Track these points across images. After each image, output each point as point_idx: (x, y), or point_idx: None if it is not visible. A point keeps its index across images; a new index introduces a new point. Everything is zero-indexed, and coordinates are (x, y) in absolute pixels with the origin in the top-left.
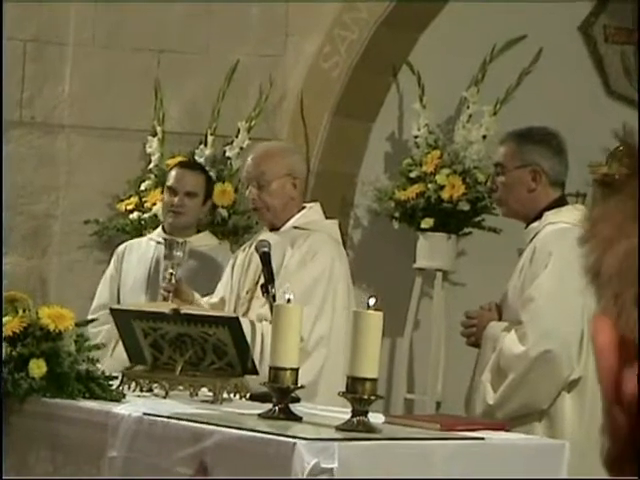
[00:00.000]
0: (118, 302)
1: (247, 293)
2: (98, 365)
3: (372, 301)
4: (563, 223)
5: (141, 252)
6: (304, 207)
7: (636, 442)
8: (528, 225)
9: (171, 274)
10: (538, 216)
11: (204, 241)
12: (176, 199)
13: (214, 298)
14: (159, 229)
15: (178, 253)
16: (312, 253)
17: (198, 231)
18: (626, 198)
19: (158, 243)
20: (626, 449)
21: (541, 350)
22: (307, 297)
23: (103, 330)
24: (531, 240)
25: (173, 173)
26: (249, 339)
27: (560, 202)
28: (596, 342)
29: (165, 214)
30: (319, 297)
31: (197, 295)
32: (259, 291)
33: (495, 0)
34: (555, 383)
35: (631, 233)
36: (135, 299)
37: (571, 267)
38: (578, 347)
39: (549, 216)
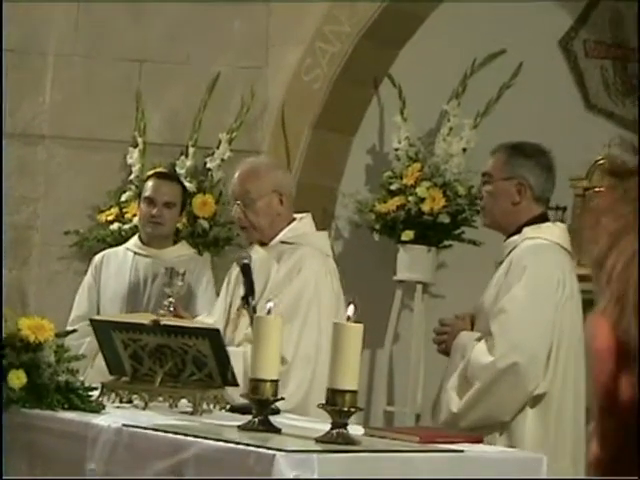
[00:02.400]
0: (97, 313)
1: (237, 310)
2: (79, 377)
3: (351, 309)
4: (541, 239)
5: (119, 262)
6: (294, 219)
7: (625, 449)
8: (507, 238)
9: (170, 302)
10: (518, 230)
11: (181, 251)
12: (155, 210)
13: (210, 318)
14: (135, 239)
15: (178, 282)
16: (297, 268)
17: (174, 242)
18: (633, 189)
19: (135, 254)
20: (615, 454)
21: (508, 362)
22: (292, 312)
23: (85, 342)
24: (509, 253)
25: (150, 184)
26: (239, 370)
27: (541, 218)
28: (593, 347)
29: (144, 225)
30: (303, 314)
31: (199, 318)
32: (242, 306)
33: (476, 14)
34: (519, 396)
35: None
36: (115, 310)
37: (544, 282)
38: (545, 362)
39: (528, 231)
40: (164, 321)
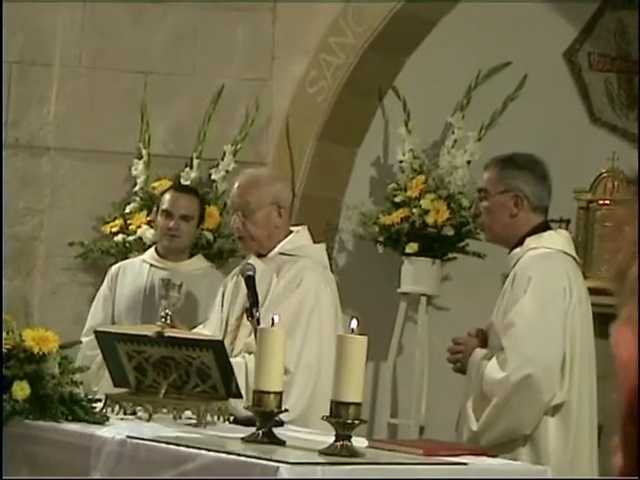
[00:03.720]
0: (112, 323)
1: (236, 320)
2: (93, 387)
3: (354, 323)
4: (544, 248)
5: (135, 273)
6: (291, 232)
7: None
8: (511, 251)
9: (167, 314)
10: (520, 242)
11: (197, 264)
12: (172, 222)
13: (206, 329)
14: (152, 251)
15: (174, 294)
16: (297, 280)
17: (191, 255)
18: None
19: (152, 266)
20: (638, 467)
21: (522, 375)
22: (293, 325)
23: (99, 354)
24: (514, 266)
25: (168, 197)
26: (241, 381)
27: (542, 227)
28: (617, 355)
29: (161, 237)
30: (304, 324)
31: (194, 330)
32: (247, 318)
33: (481, 26)
34: (537, 408)
35: None
36: (131, 321)
37: (550, 291)
38: (560, 371)
39: (530, 242)
40: (168, 333)
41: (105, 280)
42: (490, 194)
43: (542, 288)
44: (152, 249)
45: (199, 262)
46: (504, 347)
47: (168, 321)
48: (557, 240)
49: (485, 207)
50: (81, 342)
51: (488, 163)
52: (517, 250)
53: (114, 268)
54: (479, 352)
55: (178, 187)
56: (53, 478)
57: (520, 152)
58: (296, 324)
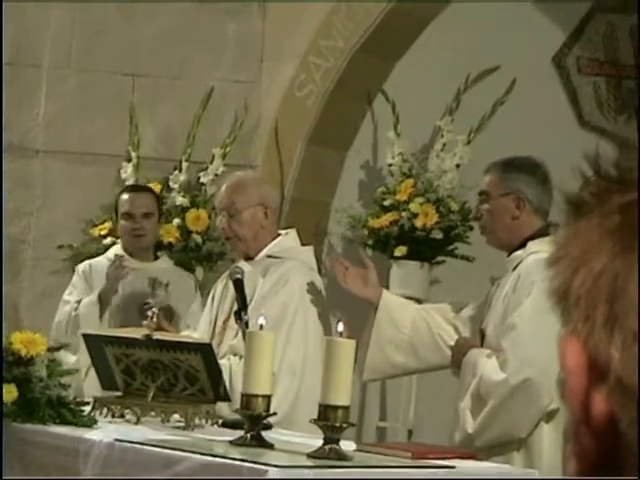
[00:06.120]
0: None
1: (223, 323)
2: (84, 387)
3: (340, 326)
4: (546, 252)
5: (105, 273)
6: (279, 235)
7: (604, 465)
8: (511, 253)
9: (153, 313)
10: (522, 245)
11: (163, 264)
12: (135, 223)
13: (196, 332)
14: (119, 251)
15: (161, 292)
16: (283, 281)
17: (156, 257)
18: (601, 216)
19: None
20: (594, 472)
21: (521, 378)
22: (277, 325)
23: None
24: (514, 268)
25: (125, 197)
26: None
27: (544, 231)
28: (565, 364)
29: (127, 239)
30: (288, 325)
31: (184, 333)
32: (233, 321)
33: (469, 30)
34: (534, 412)
35: (607, 252)
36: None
37: None
38: (558, 376)
39: (533, 245)
40: (157, 336)
41: (75, 277)
42: (491, 197)
43: (545, 293)
44: (116, 249)
45: (165, 262)
46: (504, 348)
47: (154, 319)
48: None
49: (486, 210)
50: (69, 344)
51: (488, 167)
52: (518, 253)
53: (82, 266)
54: (475, 352)
55: (133, 187)
56: (48, 478)
57: (520, 156)
58: (280, 325)
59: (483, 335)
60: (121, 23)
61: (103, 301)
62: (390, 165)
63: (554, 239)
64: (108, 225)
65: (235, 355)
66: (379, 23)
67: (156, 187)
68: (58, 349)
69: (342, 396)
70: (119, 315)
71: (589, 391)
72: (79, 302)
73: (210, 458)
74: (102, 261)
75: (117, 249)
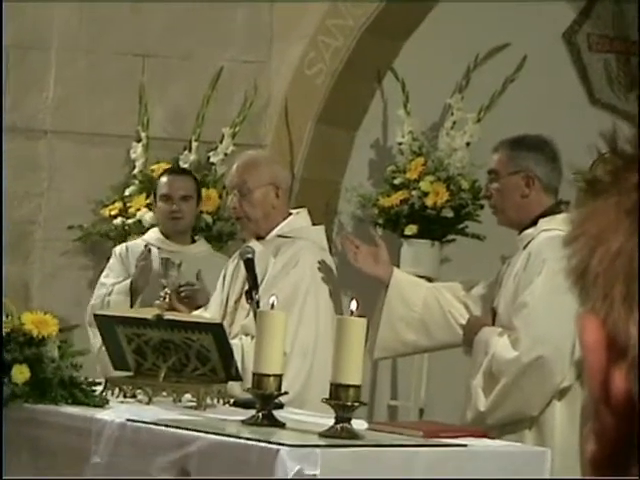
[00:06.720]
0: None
1: (234, 303)
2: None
3: (354, 304)
4: (558, 230)
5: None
6: (290, 214)
7: (623, 444)
8: (522, 231)
9: (166, 293)
10: (532, 223)
11: (201, 247)
12: (173, 205)
13: (207, 312)
14: (155, 234)
15: (174, 273)
16: (294, 261)
17: (192, 238)
18: (619, 195)
19: (159, 249)
20: (613, 451)
21: (533, 356)
22: (289, 305)
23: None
24: (525, 246)
25: (165, 180)
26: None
27: (554, 209)
28: (583, 341)
29: (164, 222)
30: (300, 305)
31: (195, 312)
32: (244, 301)
33: (479, 8)
34: (547, 389)
35: (624, 231)
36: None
37: (565, 274)
38: (571, 354)
39: (543, 223)
40: (168, 315)
41: (112, 259)
42: (501, 175)
43: (556, 270)
44: (154, 231)
45: (202, 245)
46: (516, 327)
47: (167, 300)
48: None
49: (496, 189)
50: (78, 325)
51: (497, 145)
52: (529, 231)
53: (120, 248)
54: (487, 330)
55: (172, 170)
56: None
57: (529, 134)
58: (292, 305)
59: (494, 314)
60: (130, 4)
61: (135, 289)
62: (400, 144)
63: (570, 217)
64: (118, 205)
65: (247, 335)
66: (388, 1)
67: (164, 167)
68: (70, 329)
69: (353, 375)
70: (152, 302)
71: (608, 369)
72: (115, 285)
73: (222, 438)
74: (139, 243)
75: (155, 231)
